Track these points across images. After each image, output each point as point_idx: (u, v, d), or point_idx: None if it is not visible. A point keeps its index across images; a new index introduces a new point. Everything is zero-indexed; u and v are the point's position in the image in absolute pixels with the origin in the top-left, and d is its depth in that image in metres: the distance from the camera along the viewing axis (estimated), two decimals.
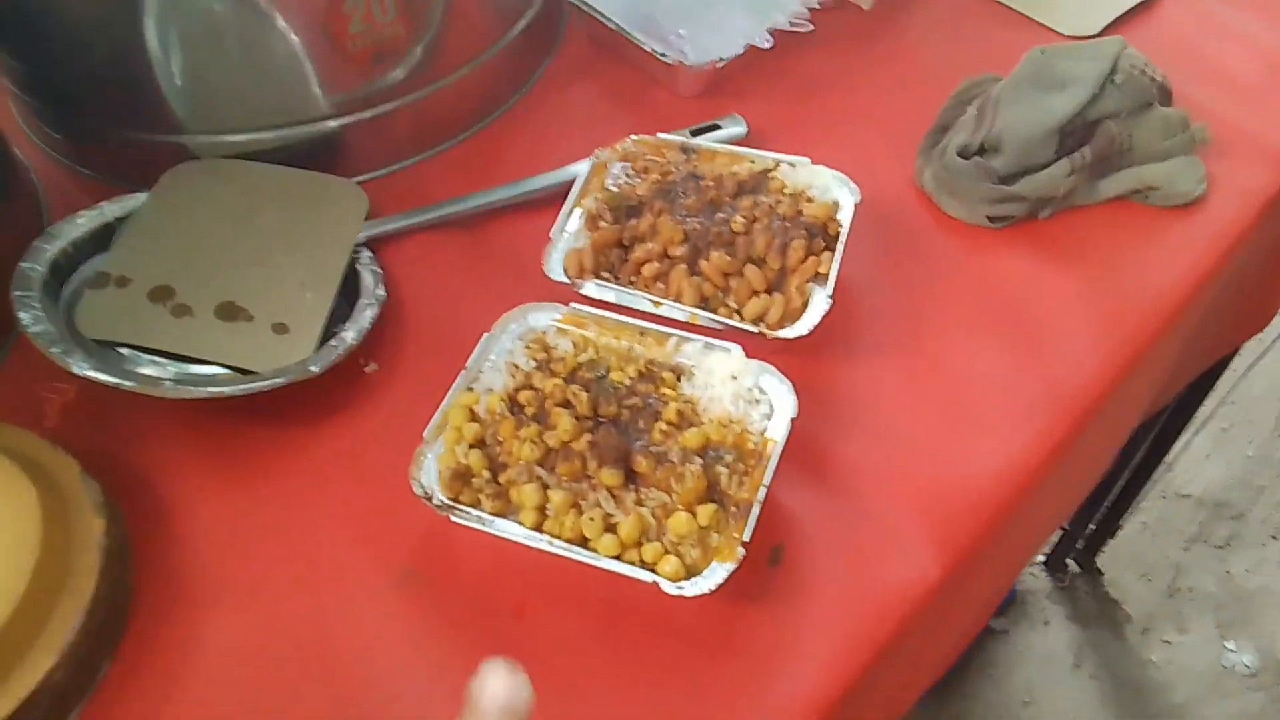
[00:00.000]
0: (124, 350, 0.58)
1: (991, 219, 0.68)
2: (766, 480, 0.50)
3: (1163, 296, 0.66)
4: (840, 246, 0.60)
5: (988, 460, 0.57)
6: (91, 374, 0.52)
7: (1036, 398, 0.60)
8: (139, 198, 0.65)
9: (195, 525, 0.54)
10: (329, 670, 0.49)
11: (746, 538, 0.48)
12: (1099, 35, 0.83)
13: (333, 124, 0.69)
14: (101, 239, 0.63)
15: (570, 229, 0.63)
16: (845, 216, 0.62)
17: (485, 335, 0.56)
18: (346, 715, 0.48)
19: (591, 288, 0.60)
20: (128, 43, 0.63)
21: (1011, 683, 1.45)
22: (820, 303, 0.58)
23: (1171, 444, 1.31)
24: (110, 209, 0.64)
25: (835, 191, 0.63)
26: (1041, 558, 1.55)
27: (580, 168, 0.67)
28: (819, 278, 0.59)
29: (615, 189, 0.65)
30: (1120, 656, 1.48)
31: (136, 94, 0.66)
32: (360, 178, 0.71)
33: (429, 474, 0.51)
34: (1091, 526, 1.49)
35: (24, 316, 0.55)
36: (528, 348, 0.56)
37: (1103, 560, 1.55)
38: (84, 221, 0.62)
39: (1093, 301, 0.65)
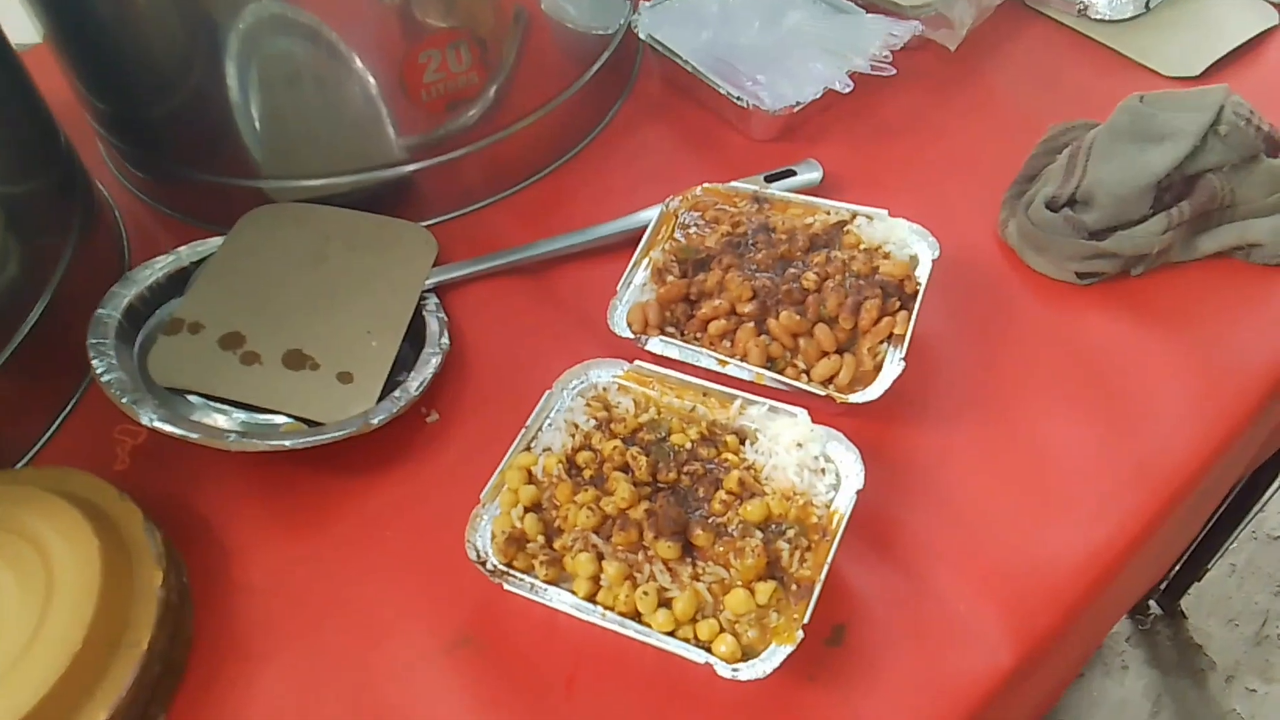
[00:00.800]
0: (193, 396, 0.58)
1: (1080, 276, 0.65)
2: (830, 559, 0.47)
3: (1266, 362, 0.61)
4: (916, 306, 0.58)
5: (1068, 543, 0.54)
6: (159, 425, 0.53)
7: (1124, 474, 0.56)
8: (214, 242, 0.66)
9: (254, 575, 0.55)
10: None
11: (806, 619, 0.46)
12: (1200, 77, 0.78)
13: (405, 169, 0.69)
14: (177, 283, 0.64)
15: (637, 281, 0.62)
16: (923, 273, 0.59)
17: (546, 393, 0.55)
18: None
19: (656, 344, 0.58)
20: (209, 87, 0.64)
21: None
22: (893, 366, 0.56)
23: (1266, 487, 1.24)
24: (186, 254, 0.65)
25: (913, 246, 0.61)
26: None
27: (650, 214, 0.66)
28: (893, 339, 0.57)
29: (683, 240, 0.64)
30: (1201, 705, 1.40)
31: (216, 138, 0.68)
32: (430, 221, 0.71)
33: (484, 537, 0.50)
34: (1175, 569, 1.42)
35: (98, 364, 0.56)
36: (588, 405, 0.55)
37: (1186, 604, 1.47)
38: (161, 266, 0.64)
39: (1189, 368, 0.61)
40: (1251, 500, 1.26)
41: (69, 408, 0.62)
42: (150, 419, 0.53)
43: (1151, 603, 1.48)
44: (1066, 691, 1.41)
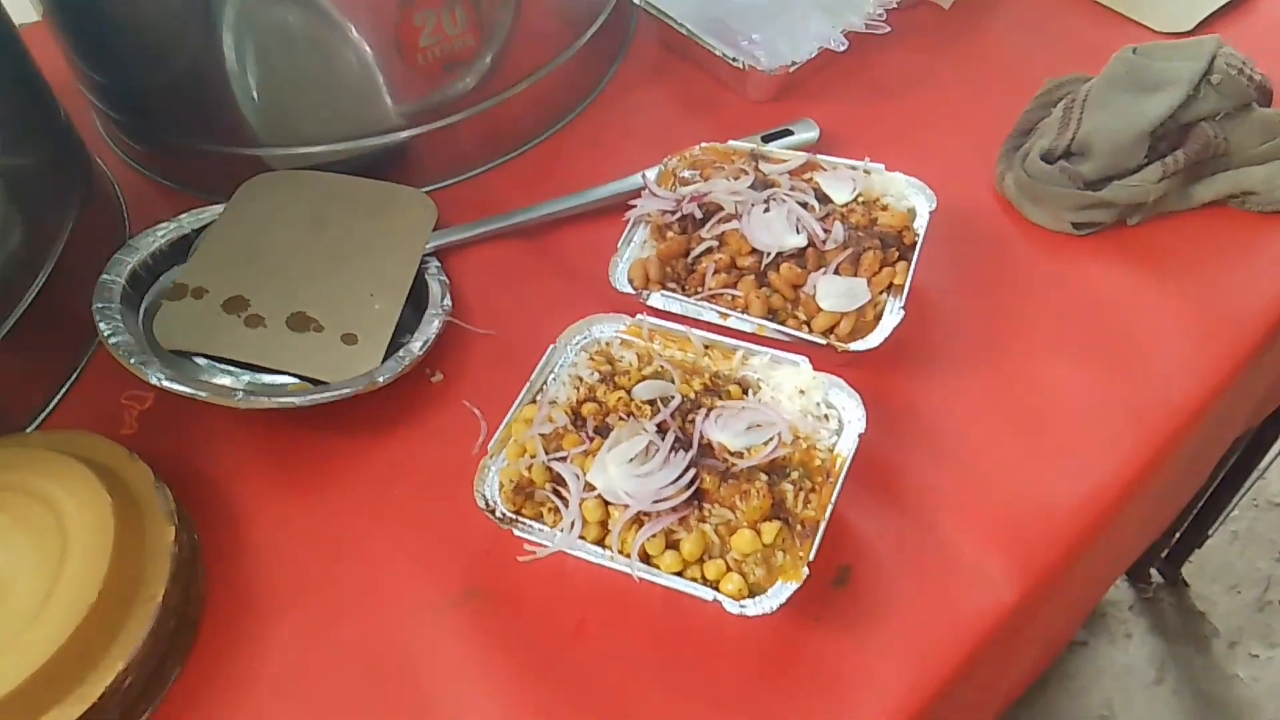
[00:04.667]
0: (199, 358, 0.59)
1: (1077, 226, 0.65)
2: (834, 499, 0.48)
3: (1262, 308, 0.62)
4: (915, 256, 0.58)
5: (1069, 484, 0.54)
6: (167, 385, 0.53)
7: (1123, 418, 0.57)
8: (215, 210, 0.66)
9: (263, 532, 0.55)
10: (390, 685, 0.49)
11: (812, 557, 0.46)
12: (1192, 31, 0.79)
13: (402, 135, 0.69)
14: (179, 250, 0.64)
15: (638, 238, 0.63)
16: (921, 225, 0.60)
17: (550, 347, 0.55)
18: None
19: (657, 299, 0.59)
20: (205, 56, 0.64)
21: (1090, 697, 1.39)
22: (893, 315, 0.56)
23: (1265, 451, 1.24)
24: (188, 221, 0.65)
25: (911, 199, 0.61)
26: None
27: (648, 174, 0.66)
28: (893, 289, 0.58)
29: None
30: (1205, 671, 1.41)
31: (213, 107, 0.68)
32: (428, 187, 0.72)
33: (492, 487, 0.51)
34: (1177, 536, 1.43)
35: (104, 327, 0.56)
36: (591, 359, 0.56)
37: (1188, 571, 1.48)
38: (163, 233, 0.64)
39: (1185, 314, 0.61)
40: (1252, 465, 1.26)
41: (74, 376, 0.62)
42: (159, 379, 0.53)
43: (1153, 570, 1.49)
44: (1070, 660, 1.42)
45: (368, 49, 0.64)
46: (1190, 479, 0.76)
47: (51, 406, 0.61)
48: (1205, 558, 1.48)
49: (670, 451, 0.48)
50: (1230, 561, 1.51)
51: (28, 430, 0.60)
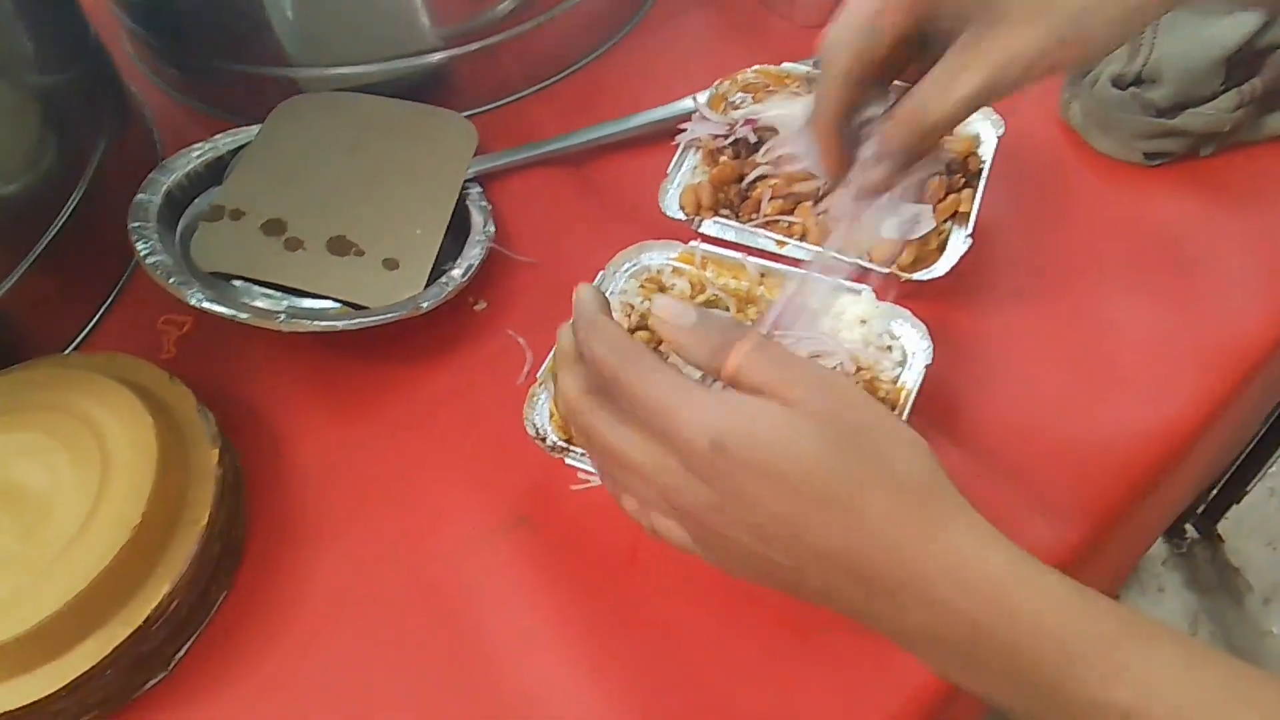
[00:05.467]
0: (237, 282, 0.57)
1: (1147, 156, 0.62)
2: None
3: None
4: (981, 184, 0.56)
5: (1136, 421, 0.52)
6: (208, 306, 0.52)
7: (1193, 354, 0.55)
8: (251, 130, 0.64)
9: (306, 458, 0.54)
10: (438, 611, 0.48)
11: None
12: None
13: (440, 56, 0.67)
14: (215, 171, 0.63)
15: (688, 164, 0.60)
16: (986, 151, 0.57)
17: (599, 273, 0.54)
18: (455, 656, 0.47)
19: (710, 225, 0.57)
20: None
21: None
22: (958, 244, 0.54)
23: None
24: (223, 141, 0.63)
25: (976, 125, 0.59)
26: None
27: (698, 97, 0.64)
28: (958, 216, 0.55)
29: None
30: (1238, 627, 1.40)
31: (246, 27, 0.65)
32: (468, 113, 0.69)
33: (542, 415, 0.49)
34: (1214, 491, 1.41)
35: (141, 247, 0.54)
36: (642, 286, 0.54)
37: (1224, 527, 1.46)
38: (198, 154, 0.62)
39: (1259, 248, 0.59)
40: None
41: (111, 299, 0.61)
42: (198, 299, 0.52)
43: (1188, 526, 1.47)
44: None
45: None
46: (1247, 426, 0.74)
47: (88, 330, 0.60)
48: (1242, 513, 1.45)
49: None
50: (1268, 517, 1.49)
51: (66, 352, 0.59)
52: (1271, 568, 1.45)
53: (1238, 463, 1.34)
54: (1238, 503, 1.42)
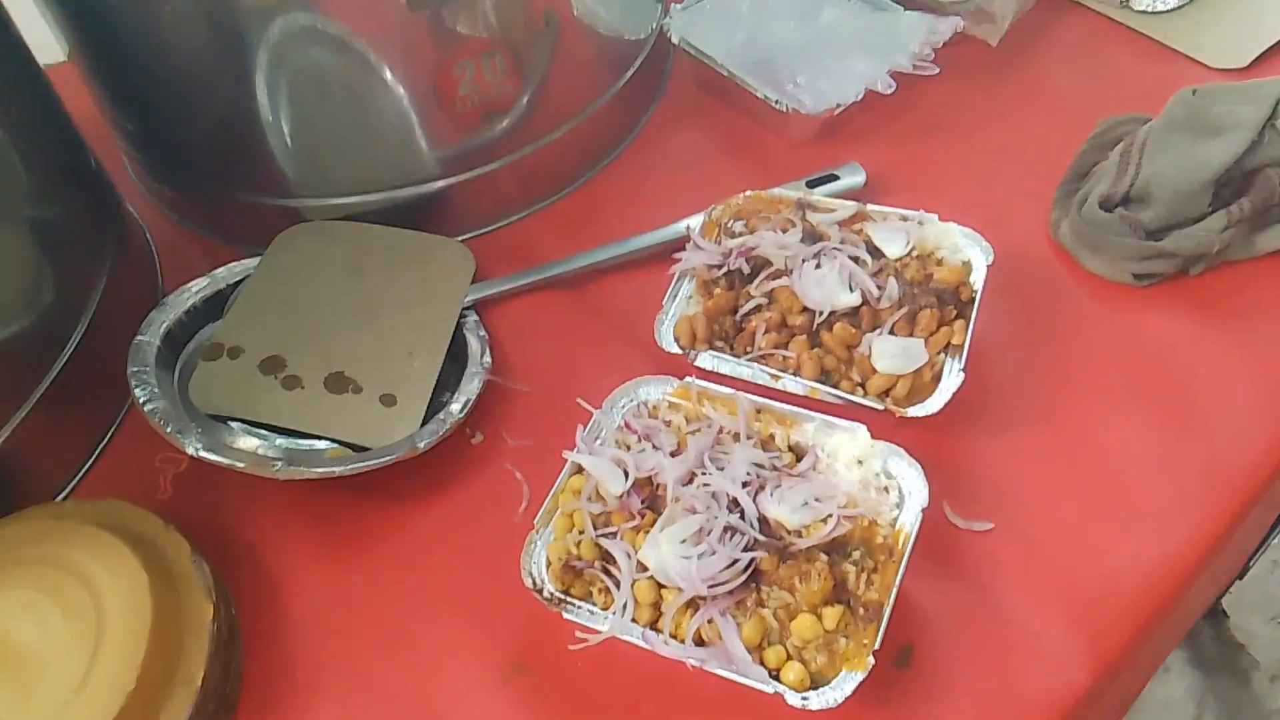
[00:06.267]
0: (234, 422, 0.57)
1: (1137, 277, 0.63)
2: (898, 580, 0.46)
3: None
4: (974, 314, 0.56)
5: (1140, 553, 0.52)
6: (205, 455, 0.52)
7: (1194, 480, 0.54)
8: (249, 264, 0.65)
9: (303, 604, 0.54)
10: None
11: (877, 645, 0.44)
12: (1249, 68, 0.76)
13: (439, 184, 0.68)
14: (215, 306, 0.63)
15: (683, 293, 0.61)
16: (978, 280, 0.57)
17: (596, 412, 0.54)
18: None
19: (706, 359, 0.57)
20: (239, 104, 0.63)
21: None
22: (953, 377, 0.54)
23: None
24: (222, 275, 0.64)
25: (966, 251, 0.59)
26: None
27: (691, 223, 0.65)
28: (950, 348, 0.55)
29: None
30: (1245, 706, 1.38)
31: (248, 155, 0.66)
32: (466, 235, 0.70)
33: (539, 564, 0.49)
34: None
35: (140, 393, 0.55)
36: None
37: (1228, 602, 1.44)
38: (197, 290, 0.63)
39: (1254, 368, 0.59)
40: None
41: (109, 435, 0.61)
42: (196, 449, 0.52)
43: None
44: None
45: (405, 99, 0.63)
46: (1257, 531, 0.73)
47: (86, 468, 0.60)
48: (1245, 588, 1.43)
49: (725, 531, 0.46)
50: (1272, 592, 1.47)
51: (61, 494, 0.59)
52: (1276, 643, 1.43)
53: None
54: (1241, 578, 1.40)
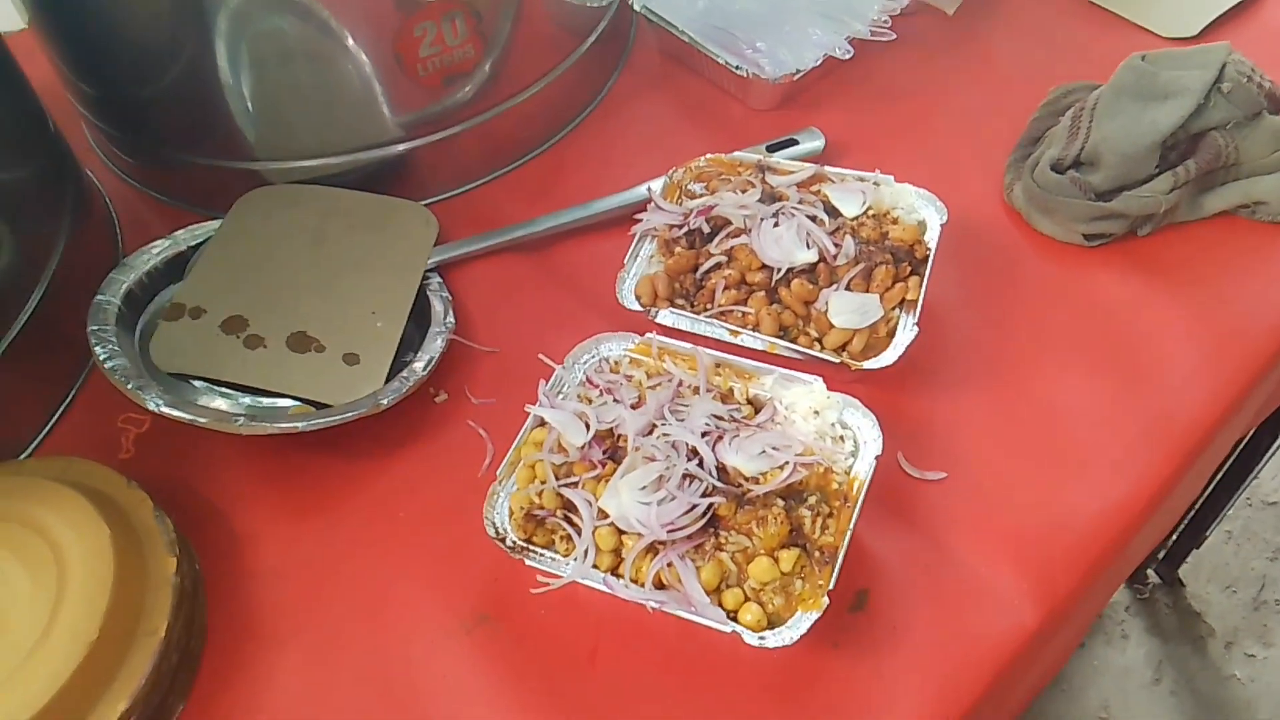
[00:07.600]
0: (197, 380, 0.57)
1: (1087, 237, 0.64)
2: (852, 525, 0.47)
3: (1273, 318, 0.61)
4: (928, 271, 0.57)
5: (1086, 502, 0.54)
6: (166, 411, 0.52)
7: (1139, 432, 0.56)
8: (212, 225, 0.65)
9: (266, 559, 0.54)
10: (399, 714, 0.48)
11: (831, 586, 0.45)
12: (1198, 36, 0.78)
13: (401, 147, 0.68)
14: (176, 268, 0.63)
15: (644, 253, 0.61)
16: (932, 239, 0.59)
17: (558, 368, 0.54)
18: None
19: (666, 316, 0.58)
20: (199, 67, 0.63)
21: (1087, 698, 1.39)
22: (907, 331, 0.55)
23: (1263, 453, 1.25)
24: (183, 237, 0.64)
25: (921, 211, 0.60)
26: None
27: (653, 185, 0.65)
28: (905, 304, 0.57)
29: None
30: (1202, 671, 1.42)
31: (208, 119, 0.66)
32: (428, 200, 0.70)
33: (501, 514, 0.50)
34: (1173, 537, 1.43)
35: (100, 351, 0.55)
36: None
37: (1185, 571, 1.48)
38: (158, 251, 0.63)
39: (1198, 325, 0.61)
40: (1249, 467, 1.26)
41: (70, 397, 0.61)
42: (157, 404, 0.52)
43: (1150, 571, 1.49)
44: (1069, 661, 1.42)
45: (366, 60, 0.63)
46: (1195, 485, 0.75)
47: (47, 430, 0.60)
48: (1201, 558, 1.48)
49: (684, 479, 0.47)
50: (1226, 561, 1.52)
51: (23, 456, 0.58)
52: (1231, 611, 1.47)
53: (1196, 509, 1.36)
54: (1197, 548, 1.44)
